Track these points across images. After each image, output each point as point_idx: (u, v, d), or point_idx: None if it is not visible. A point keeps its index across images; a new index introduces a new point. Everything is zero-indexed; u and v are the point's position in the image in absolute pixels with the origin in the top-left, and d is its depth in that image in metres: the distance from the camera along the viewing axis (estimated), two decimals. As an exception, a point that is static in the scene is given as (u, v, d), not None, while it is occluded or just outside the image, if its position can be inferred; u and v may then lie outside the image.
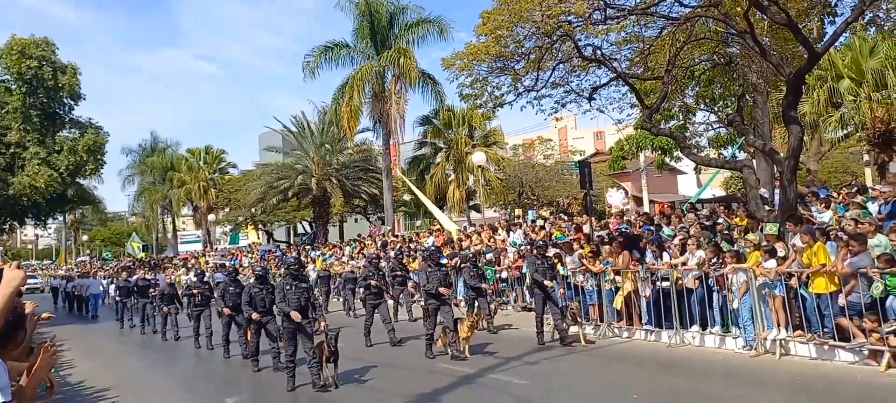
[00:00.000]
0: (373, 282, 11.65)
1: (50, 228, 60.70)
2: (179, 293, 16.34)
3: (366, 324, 11.58)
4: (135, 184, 49.59)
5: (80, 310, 23.93)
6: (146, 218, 51.38)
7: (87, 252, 67.21)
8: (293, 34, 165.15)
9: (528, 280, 11.58)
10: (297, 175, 33.01)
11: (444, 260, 14.19)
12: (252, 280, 11.13)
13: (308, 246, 30.02)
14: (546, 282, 10.05)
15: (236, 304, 10.42)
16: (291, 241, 43.03)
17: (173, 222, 52.35)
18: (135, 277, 20.64)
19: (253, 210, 38.12)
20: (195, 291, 13.41)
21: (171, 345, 14.27)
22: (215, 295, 13.46)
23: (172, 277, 21.05)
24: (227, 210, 45.41)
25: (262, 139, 59.88)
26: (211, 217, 47.68)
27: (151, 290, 16.99)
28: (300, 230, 43.43)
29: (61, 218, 52.19)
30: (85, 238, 69.57)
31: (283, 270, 12.47)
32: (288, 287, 8.37)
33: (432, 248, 10.83)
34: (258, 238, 45.75)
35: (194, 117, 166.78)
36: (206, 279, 15.01)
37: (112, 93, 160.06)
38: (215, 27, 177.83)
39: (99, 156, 26.58)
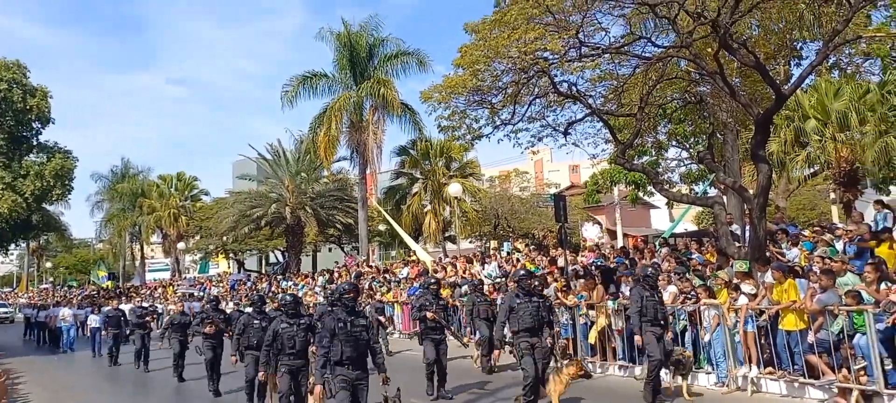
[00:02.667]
0: (429, 314, 9.28)
1: (11, 255, 58.68)
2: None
3: (437, 367, 9.17)
4: (104, 210, 48.50)
5: (50, 342, 22.17)
6: (113, 245, 50.05)
7: (50, 279, 65.02)
8: (270, 58, 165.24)
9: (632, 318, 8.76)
10: (271, 203, 32.66)
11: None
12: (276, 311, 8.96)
13: (280, 276, 29.55)
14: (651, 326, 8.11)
15: (261, 343, 8.06)
16: (263, 271, 42.31)
17: (141, 250, 51.14)
18: (129, 306, 18.96)
19: (224, 238, 37.47)
20: (209, 324, 10.95)
21: (148, 376, 13.15)
22: (231, 330, 10.59)
23: (184, 305, 17.61)
24: (197, 238, 44.55)
25: (236, 166, 59.17)
26: (180, 245, 46.71)
27: (148, 318, 15.34)
28: (272, 259, 42.79)
29: (24, 245, 50.51)
30: (48, 265, 67.34)
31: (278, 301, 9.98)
32: (339, 324, 6.11)
33: (522, 272, 8.40)
34: (229, 267, 44.90)
35: (168, 143, 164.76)
36: (221, 307, 12.97)
37: (84, 115, 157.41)
38: (189, 50, 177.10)
39: (66, 182, 25.85)
